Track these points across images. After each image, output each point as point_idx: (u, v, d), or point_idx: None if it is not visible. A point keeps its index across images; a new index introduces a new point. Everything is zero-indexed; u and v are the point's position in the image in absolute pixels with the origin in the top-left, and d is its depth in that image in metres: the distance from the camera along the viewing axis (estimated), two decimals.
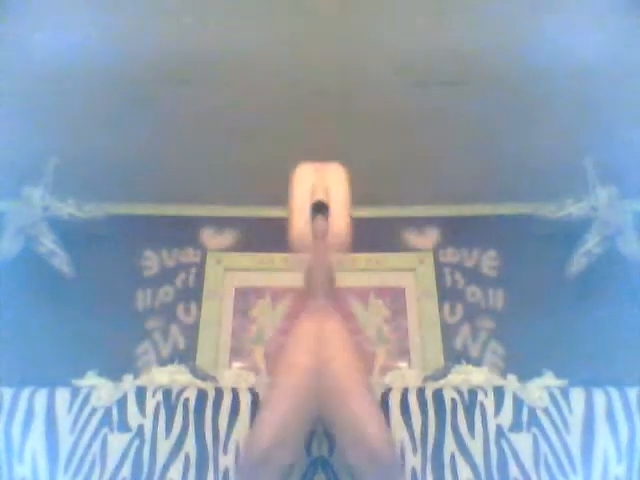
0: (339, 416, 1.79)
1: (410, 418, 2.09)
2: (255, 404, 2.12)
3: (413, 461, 2.06)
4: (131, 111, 2.51)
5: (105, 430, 2.12)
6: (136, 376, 2.38)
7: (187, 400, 2.13)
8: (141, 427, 2.12)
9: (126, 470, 2.05)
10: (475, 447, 2.05)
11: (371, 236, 2.79)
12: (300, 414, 1.83)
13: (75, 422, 2.13)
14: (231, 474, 2.03)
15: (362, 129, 2.63)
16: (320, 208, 2.04)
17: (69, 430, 2.11)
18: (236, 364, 2.78)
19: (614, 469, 2.03)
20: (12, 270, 2.63)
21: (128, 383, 2.29)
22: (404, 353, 2.82)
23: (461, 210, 3.02)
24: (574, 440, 2.09)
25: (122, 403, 2.17)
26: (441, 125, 2.60)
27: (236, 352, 2.83)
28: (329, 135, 2.66)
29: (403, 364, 2.78)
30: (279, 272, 2.91)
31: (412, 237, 2.99)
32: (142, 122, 2.58)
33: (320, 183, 2.08)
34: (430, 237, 2.99)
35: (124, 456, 2.08)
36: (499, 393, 2.21)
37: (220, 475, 2.03)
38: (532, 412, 2.14)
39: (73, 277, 2.65)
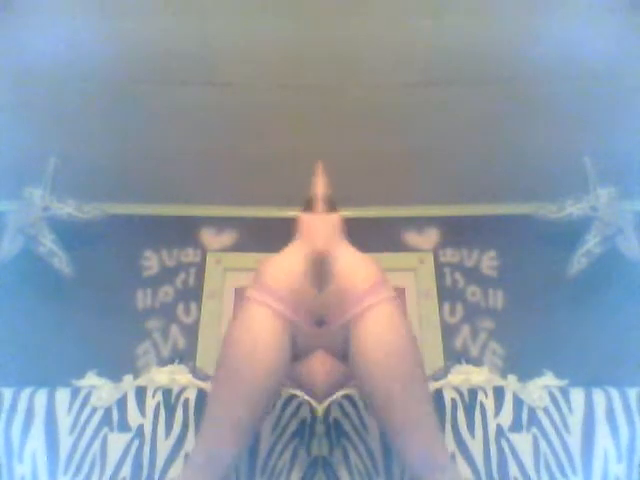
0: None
1: None
2: None
3: None
4: (131, 111, 2.51)
5: (105, 430, 2.11)
6: (136, 376, 2.38)
7: (187, 400, 2.13)
8: (141, 427, 2.12)
9: (126, 470, 2.04)
10: (475, 447, 2.04)
11: (371, 236, 2.78)
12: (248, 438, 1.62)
13: (75, 422, 2.13)
14: (231, 474, 2.03)
15: (362, 129, 2.63)
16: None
17: (69, 430, 2.11)
18: None
19: (614, 469, 2.03)
20: (12, 270, 2.63)
21: (128, 383, 2.28)
22: None
23: (461, 210, 3.02)
24: (574, 440, 2.08)
25: (122, 403, 2.17)
26: (441, 125, 2.60)
27: None
28: (329, 135, 2.66)
29: None
30: None
31: (412, 237, 2.99)
32: (142, 122, 2.58)
33: None
34: (430, 237, 2.99)
35: (124, 456, 2.07)
36: (499, 393, 2.20)
37: None
38: (532, 412, 2.14)
39: (73, 277, 2.64)
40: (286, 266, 1.60)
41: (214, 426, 1.56)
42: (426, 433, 1.54)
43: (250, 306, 1.55)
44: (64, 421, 2.13)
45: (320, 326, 1.59)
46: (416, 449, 1.52)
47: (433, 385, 2.18)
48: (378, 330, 1.50)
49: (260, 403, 1.56)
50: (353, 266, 1.60)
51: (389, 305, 1.53)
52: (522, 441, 2.09)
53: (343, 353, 1.61)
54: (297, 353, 1.62)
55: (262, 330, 1.51)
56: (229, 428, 1.53)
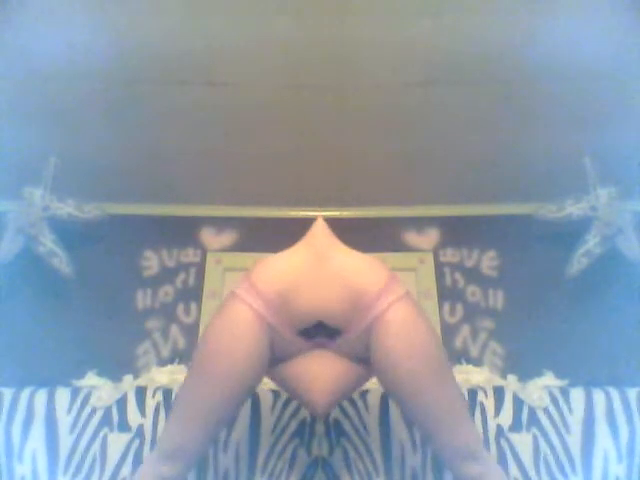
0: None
1: None
2: (255, 404, 2.12)
3: (413, 461, 2.06)
4: (131, 111, 2.51)
5: (105, 430, 2.12)
6: (136, 376, 2.39)
7: None
8: (141, 427, 2.13)
9: (126, 470, 2.05)
10: None
11: (371, 236, 2.79)
12: (222, 421, 1.64)
13: (75, 422, 2.13)
14: (231, 474, 2.03)
15: (362, 129, 2.63)
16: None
17: (69, 430, 2.12)
18: None
19: (614, 469, 2.03)
20: (12, 270, 2.63)
21: (128, 383, 2.29)
22: None
23: (461, 210, 3.01)
24: (574, 440, 2.09)
25: (122, 403, 2.17)
26: (441, 125, 2.60)
27: None
28: (329, 135, 2.66)
29: None
30: None
31: (412, 237, 2.99)
32: (142, 122, 2.58)
33: None
34: (430, 237, 2.99)
35: (124, 456, 2.08)
36: (499, 393, 2.21)
37: (220, 475, 2.04)
38: (532, 412, 2.14)
39: (73, 277, 2.64)
40: (281, 268, 1.59)
41: (185, 416, 1.56)
42: (456, 421, 1.53)
43: (234, 303, 1.55)
44: (64, 421, 2.14)
45: (339, 336, 1.57)
46: (446, 437, 1.51)
47: None
48: (400, 328, 1.50)
49: (233, 399, 1.56)
50: (360, 269, 1.59)
51: (404, 302, 1.54)
52: (522, 441, 2.09)
53: (360, 356, 1.60)
54: (278, 357, 1.61)
55: (242, 329, 1.51)
56: (198, 420, 1.53)
